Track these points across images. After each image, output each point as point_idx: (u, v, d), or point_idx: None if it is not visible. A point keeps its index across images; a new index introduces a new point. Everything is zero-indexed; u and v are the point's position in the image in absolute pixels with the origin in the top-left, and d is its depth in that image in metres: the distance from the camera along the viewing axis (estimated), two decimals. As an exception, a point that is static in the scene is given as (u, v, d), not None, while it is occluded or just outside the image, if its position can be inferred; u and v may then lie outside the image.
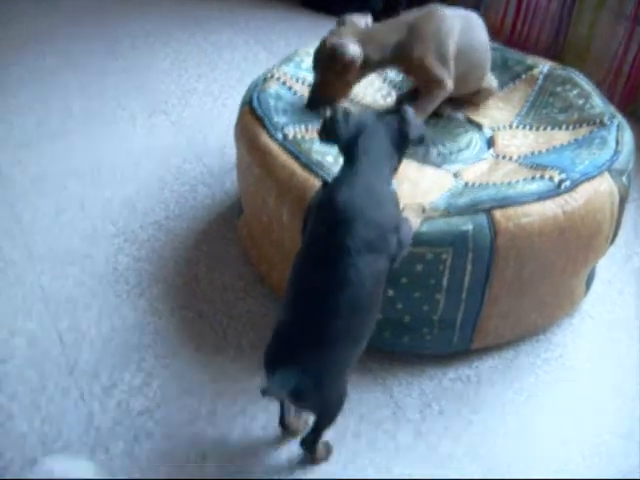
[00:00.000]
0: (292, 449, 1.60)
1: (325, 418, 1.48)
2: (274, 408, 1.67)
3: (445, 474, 1.57)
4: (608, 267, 2.09)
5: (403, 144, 1.50)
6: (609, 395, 1.76)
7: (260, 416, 1.67)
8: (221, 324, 1.89)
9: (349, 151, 1.48)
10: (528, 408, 1.72)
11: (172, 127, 2.67)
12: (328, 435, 1.59)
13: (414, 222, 1.53)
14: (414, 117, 1.52)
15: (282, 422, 1.60)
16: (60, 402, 1.69)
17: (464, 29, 1.92)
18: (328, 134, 1.51)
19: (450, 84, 1.90)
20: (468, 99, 2.06)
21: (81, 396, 1.70)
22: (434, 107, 1.94)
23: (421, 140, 1.53)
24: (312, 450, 1.55)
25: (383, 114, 1.56)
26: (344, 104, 1.91)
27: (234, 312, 1.92)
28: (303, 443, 1.55)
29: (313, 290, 1.39)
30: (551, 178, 1.67)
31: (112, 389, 1.72)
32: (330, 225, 1.40)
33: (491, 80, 2.07)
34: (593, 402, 1.75)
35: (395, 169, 1.53)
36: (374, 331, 1.70)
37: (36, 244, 2.12)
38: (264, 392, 1.31)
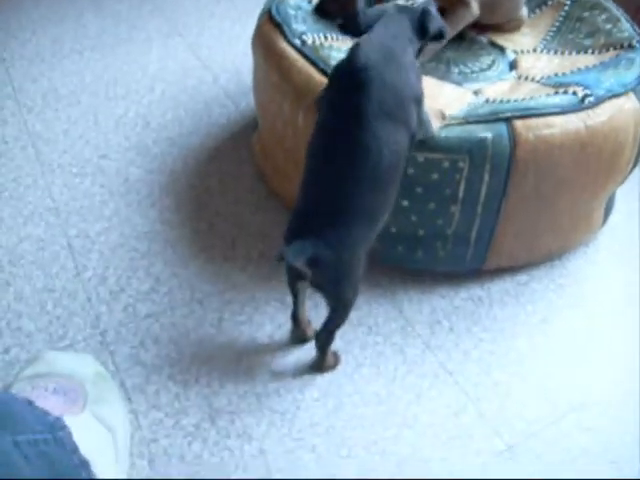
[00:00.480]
0: (299, 356, 1.59)
1: (340, 305, 1.44)
2: (281, 317, 1.67)
3: (454, 390, 1.56)
4: (627, 200, 2.05)
5: (422, 33, 1.47)
6: (621, 326, 1.73)
7: (267, 325, 1.65)
8: (231, 235, 1.86)
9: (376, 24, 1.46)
10: (539, 330, 1.70)
11: (189, 49, 2.62)
12: (336, 344, 1.57)
13: (435, 122, 1.50)
14: (436, 13, 1.49)
15: (294, 316, 1.58)
16: (67, 304, 1.68)
17: None
18: (348, 25, 1.48)
19: (476, 7, 1.85)
20: (496, 27, 2.00)
21: (88, 299, 1.69)
22: (458, 28, 1.89)
23: (440, 35, 1.51)
24: (324, 350, 1.53)
25: (405, 6, 1.53)
26: None
27: (245, 224, 1.90)
28: (317, 339, 1.52)
29: (329, 159, 1.34)
30: (575, 93, 1.62)
31: (120, 293, 1.71)
32: (346, 88, 1.36)
33: (523, 12, 2.01)
34: (605, 331, 1.72)
35: (416, 55, 1.49)
36: (388, 245, 1.69)
37: (47, 156, 2.10)
38: (280, 258, 1.29)
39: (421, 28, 1.46)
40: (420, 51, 1.54)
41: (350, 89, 1.35)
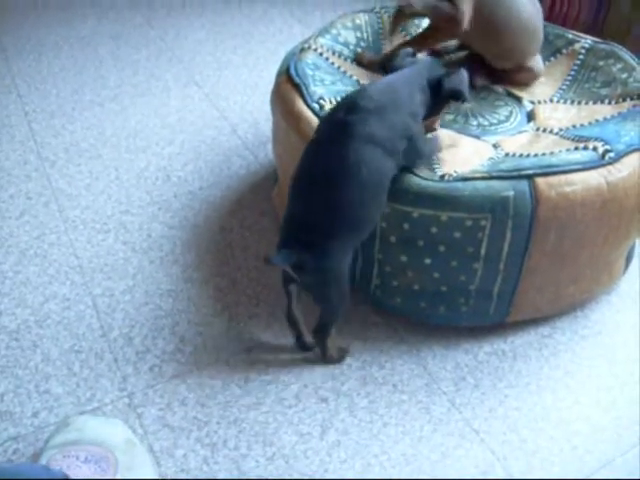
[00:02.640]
0: (324, 417, 1.59)
1: (329, 301, 1.58)
2: (307, 376, 1.67)
3: (480, 449, 1.55)
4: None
5: (438, 89, 1.61)
6: (647, 373, 1.73)
7: (293, 385, 1.66)
8: (254, 292, 1.88)
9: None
10: (564, 384, 1.69)
11: (206, 99, 2.66)
12: (361, 403, 1.58)
13: (441, 141, 1.68)
14: (462, 76, 1.61)
15: (288, 315, 1.68)
16: (94, 365, 1.69)
17: None
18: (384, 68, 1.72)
19: (464, 21, 1.90)
20: (511, 78, 2.02)
21: (115, 360, 1.71)
22: (443, 41, 2.03)
23: (456, 95, 1.62)
24: (322, 345, 1.66)
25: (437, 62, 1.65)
26: None
27: (267, 280, 1.91)
28: (314, 332, 1.64)
29: (317, 173, 1.49)
30: (595, 149, 1.63)
31: (145, 354, 1.72)
32: (342, 111, 1.52)
33: (538, 62, 2.03)
34: (630, 381, 1.71)
35: (427, 109, 1.62)
36: (410, 301, 1.70)
37: (70, 212, 2.13)
38: (268, 260, 1.45)
39: (437, 85, 1.59)
40: (437, 106, 1.66)
41: (345, 112, 1.51)
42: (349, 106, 1.52)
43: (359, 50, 2.05)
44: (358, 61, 2.03)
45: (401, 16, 2.13)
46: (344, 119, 1.50)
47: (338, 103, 1.59)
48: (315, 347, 1.69)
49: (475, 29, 1.90)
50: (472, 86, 1.99)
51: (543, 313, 1.81)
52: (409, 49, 1.78)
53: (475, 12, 1.88)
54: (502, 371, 1.72)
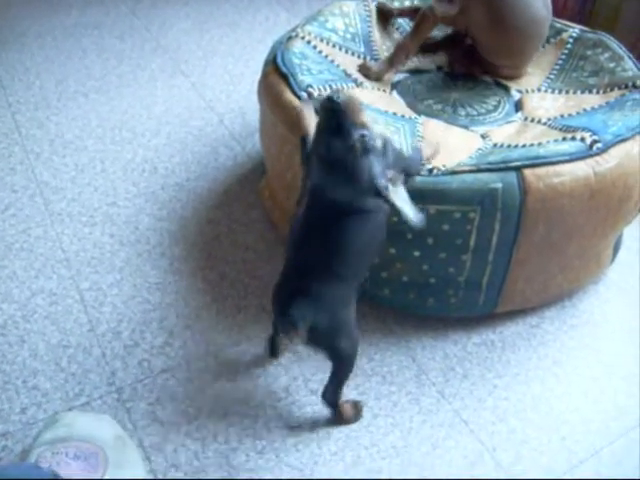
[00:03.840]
0: (315, 409, 1.59)
1: (341, 361, 1.48)
2: (296, 368, 1.67)
3: (469, 439, 1.56)
4: (635, 236, 2.05)
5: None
6: (634, 363, 1.74)
7: (282, 377, 1.66)
8: (243, 285, 1.87)
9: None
10: (552, 374, 1.70)
11: (192, 88, 2.64)
12: (350, 394, 1.59)
13: (426, 151, 1.56)
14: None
15: (272, 344, 1.66)
16: (82, 360, 1.68)
17: None
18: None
19: (439, 12, 1.93)
20: (495, 70, 2.01)
21: (103, 355, 1.70)
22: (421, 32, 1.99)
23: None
24: (335, 405, 1.54)
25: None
26: None
27: (256, 272, 1.90)
28: (324, 396, 1.53)
29: (312, 239, 1.39)
30: (583, 139, 1.63)
31: (134, 348, 1.71)
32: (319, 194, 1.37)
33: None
34: (618, 370, 1.72)
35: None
36: (399, 293, 1.70)
37: (56, 205, 2.11)
38: (279, 328, 1.41)
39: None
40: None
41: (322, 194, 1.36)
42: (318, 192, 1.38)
43: (362, 61, 2.02)
44: (363, 73, 1.97)
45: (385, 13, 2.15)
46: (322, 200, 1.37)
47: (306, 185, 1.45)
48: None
49: (484, 19, 1.89)
50: (452, 71, 2.04)
51: (532, 303, 1.81)
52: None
53: (491, 4, 1.87)
54: (491, 361, 1.72)
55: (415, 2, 2.17)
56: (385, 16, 2.15)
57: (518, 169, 1.55)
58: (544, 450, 1.55)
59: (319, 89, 1.76)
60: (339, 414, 1.56)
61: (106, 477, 1.35)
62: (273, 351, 1.68)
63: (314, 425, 1.57)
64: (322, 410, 1.58)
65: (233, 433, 1.55)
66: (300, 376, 1.66)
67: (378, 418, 1.59)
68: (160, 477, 1.47)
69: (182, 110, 2.52)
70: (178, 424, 1.56)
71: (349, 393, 1.62)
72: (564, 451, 1.55)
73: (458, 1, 1.89)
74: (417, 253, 1.63)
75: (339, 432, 1.56)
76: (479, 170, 1.56)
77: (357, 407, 1.59)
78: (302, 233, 1.41)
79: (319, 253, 1.37)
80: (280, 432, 1.56)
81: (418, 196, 1.51)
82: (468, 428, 1.58)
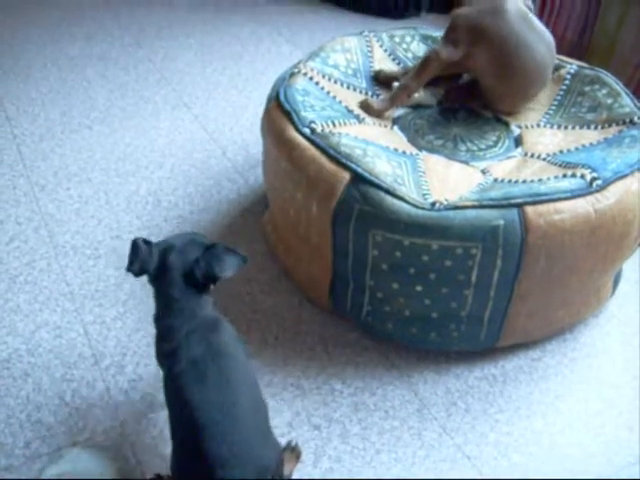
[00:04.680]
0: (317, 444, 1.60)
1: None
2: (299, 403, 1.68)
3: (472, 474, 1.56)
4: (635, 268, 2.07)
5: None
6: (635, 396, 1.74)
7: (285, 412, 1.66)
8: (245, 318, 1.88)
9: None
10: (554, 408, 1.71)
11: (195, 121, 2.67)
12: (353, 429, 1.60)
13: None
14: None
15: None
16: (86, 395, 1.69)
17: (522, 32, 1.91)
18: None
19: (444, 56, 1.94)
20: (499, 109, 2.04)
21: (107, 389, 1.71)
22: (425, 74, 1.99)
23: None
24: None
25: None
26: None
27: (258, 306, 1.92)
28: None
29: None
30: (583, 176, 1.65)
31: (138, 382, 1.72)
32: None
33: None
34: (619, 403, 1.73)
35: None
36: (402, 327, 1.71)
37: (60, 237, 2.13)
38: None
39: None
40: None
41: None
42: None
43: (364, 98, 2.04)
44: (364, 110, 1.99)
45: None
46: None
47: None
48: None
49: (489, 65, 1.93)
50: (448, 102, 2.08)
51: (533, 337, 1.82)
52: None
53: (497, 50, 1.90)
54: (493, 396, 1.73)
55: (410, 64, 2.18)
56: (388, 80, 2.13)
57: (519, 206, 1.56)
58: (546, 485, 1.56)
59: (322, 125, 1.79)
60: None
61: (110, 514, 1.36)
62: None
63: (317, 460, 1.57)
64: (325, 445, 1.59)
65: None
66: (303, 411, 1.66)
67: (381, 453, 1.60)
68: (163, 513, 1.47)
69: (185, 142, 2.55)
70: (181, 459, 1.56)
71: (352, 428, 1.63)
72: (567, 486, 1.56)
73: (463, 46, 1.92)
74: (419, 288, 1.64)
75: (342, 467, 1.56)
76: (481, 206, 1.58)
77: (295, 450, 1.54)
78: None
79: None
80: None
81: (421, 231, 1.55)
82: (470, 463, 1.59)
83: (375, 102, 2.00)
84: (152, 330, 1.81)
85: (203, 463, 1.23)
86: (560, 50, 2.14)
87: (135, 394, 1.69)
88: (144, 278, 1.96)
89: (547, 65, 1.97)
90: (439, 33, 2.25)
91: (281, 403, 1.68)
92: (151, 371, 1.74)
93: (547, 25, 3.09)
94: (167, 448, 1.56)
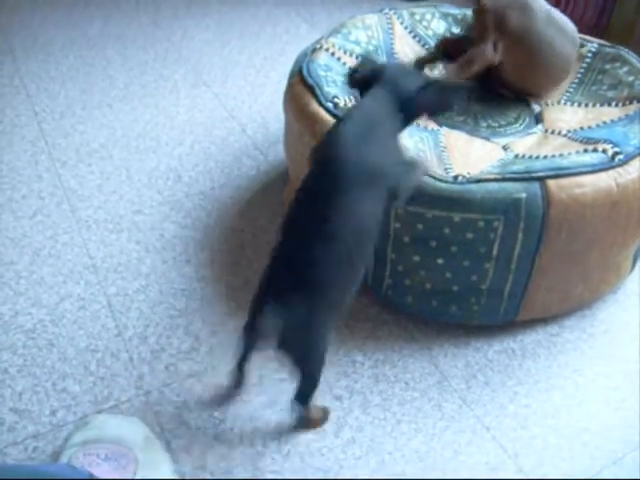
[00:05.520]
0: (339, 415, 1.62)
1: (307, 374, 1.47)
2: (321, 376, 1.69)
3: (491, 446, 1.58)
4: (654, 245, 2.08)
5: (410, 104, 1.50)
6: (655, 371, 1.76)
7: (307, 382, 1.68)
8: (267, 292, 1.90)
9: (362, 95, 1.53)
10: (572, 382, 1.72)
11: (215, 99, 2.68)
12: (374, 400, 1.62)
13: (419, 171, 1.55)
14: (437, 88, 1.52)
15: (239, 367, 1.61)
16: (110, 364, 1.71)
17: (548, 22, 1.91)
18: (350, 80, 1.57)
19: (490, 52, 1.92)
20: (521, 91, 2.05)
21: (130, 359, 1.73)
22: (471, 68, 1.97)
23: (432, 110, 1.54)
24: (302, 414, 1.56)
25: (416, 70, 1.56)
26: None
27: (280, 280, 1.94)
28: (293, 408, 1.56)
29: (301, 228, 1.39)
30: (604, 151, 1.66)
31: (161, 353, 1.74)
32: (323, 162, 1.43)
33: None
34: (637, 379, 1.74)
35: (408, 121, 1.54)
36: (422, 301, 1.72)
37: (83, 212, 2.15)
38: (250, 330, 1.39)
39: (409, 99, 1.49)
40: (411, 119, 1.56)
41: (326, 168, 1.41)
42: (326, 160, 1.43)
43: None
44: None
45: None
46: (322, 173, 1.42)
47: (315, 153, 1.51)
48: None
49: (514, 59, 1.94)
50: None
51: (552, 312, 1.83)
52: (368, 57, 1.68)
53: (519, 47, 1.90)
54: (512, 369, 1.75)
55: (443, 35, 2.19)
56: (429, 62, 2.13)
57: (542, 179, 1.57)
58: (565, 457, 1.57)
59: (345, 100, 1.80)
60: (308, 418, 1.58)
61: (137, 477, 1.38)
62: (238, 381, 1.64)
63: (339, 430, 1.59)
64: (346, 416, 1.61)
65: (258, 437, 1.58)
66: (325, 383, 1.67)
67: (402, 424, 1.62)
68: (187, 478, 1.50)
69: (205, 120, 2.57)
70: (204, 427, 1.59)
71: (373, 399, 1.65)
72: (585, 458, 1.57)
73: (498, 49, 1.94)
74: (440, 261, 1.66)
75: (363, 437, 1.58)
76: (504, 179, 1.59)
77: (324, 412, 1.61)
78: (297, 221, 1.41)
79: (310, 248, 1.36)
80: (305, 436, 1.58)
81: (444, 204, 1.56)
82: (490, 434, 1.61)
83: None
84: (174, 302, 1.85)
85: None
86: (579, 31, 2.14)
87: (158, 364, 1.71)
88: (165, 253, 1.99)
89: (570, 58, 1.98)
90: (459, 11, 2.26)
91: (303, 374, 1.70)
92: (173, 343, 1.76)
93: (566, 7, 3.12)
94: (191, 417, 1.60)
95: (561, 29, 1.94)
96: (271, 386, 1.67)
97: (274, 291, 1.38)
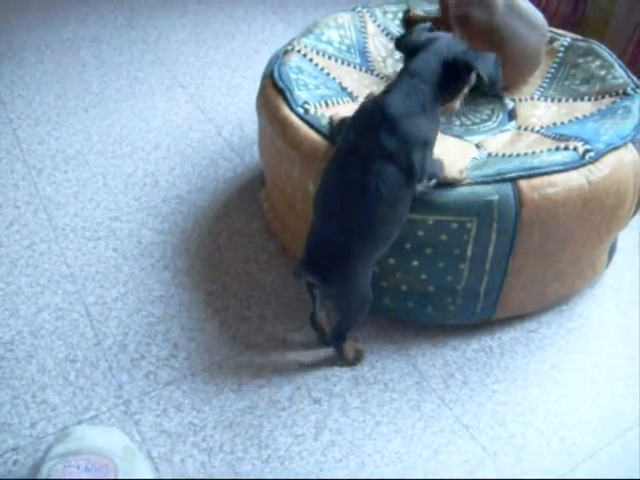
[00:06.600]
0: (318, 418, 1.63)
1: (349, 311, 1.64)
2: (300, 378, 1.70)
3: (470, 445, 1.60)
4: (630, 239, 2.09)
5: (456, 69, 1.51)
6: (630, 365, 1.77)
7: (285, 387, 1.69)
8: (245, 295, 1.91)
9: (406, 64, 1.55)
10: (550, 378, 1.74)
11: (191, 101, 2.67)
12: (353, 402, 1.63)
13: (448, 170, 1.58)
14: (489, 57, 1.52)
15: (313, 320, 1.75)
16: (89, 374, 1.71)
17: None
18: (399, 44, 1.60)
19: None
20: None
21: (110, 368, 1.73)
22: None
23: (492, 83, 1.52)
24: (338, 347, 1.72)
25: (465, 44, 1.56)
26: None
27: (257, 284, 1.94)
28: (325, 338, 1.75)
29: (337, 195, 1.51)
30: (575, 149, 1.67)
31: (140, 361, 1.75)
32: (363, 131, 1.51)
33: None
34: (615, 372, 1.76)
35: (452, 94, 1.56)
36: (399, 302, 1.74)
37: (59, 220, 2.14)
38: (298, 274, 1.54)
39: (454, 65, 1.50)
40: (456, 89, 1.57)
41: (365, 133, 1.50)
42: (365, 123, 1.51)
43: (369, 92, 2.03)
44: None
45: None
46: (361, 137, 1.50)
47: (354, 116, 1.56)
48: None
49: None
50: None
51: (529, 310, 1.85)
52: (426, 24, 1.68)
53: (482, 41, 1.89)
54: (490, 367, 1.76)
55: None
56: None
57: (513, 180, 1.58)
58: (543, 453, 1.59)
59: (315, 105, 1.80)
60: (340, 355, 1.73)
61: (117, 488, 1.39)
62: (313, 319, 1.76)
63: (318, 433, 1.60)
64: (326, 419, 1.62)
65: (239, 443, 1.58)
66: (303, 385, 1.69)
67: (381, 425, 1.63)
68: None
69: (181, 122, 2.56)
70: (185, 435, 1.59)
71: (352, 401, 1.66)
72: (563, 453, 1.59)
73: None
74: (416, 263, 1.66)
75: (343, 439, 1.59)
76: (475, 183, 1.59)
77: (358, 353, 1.75)
78: (336, 185, 1.52)
79: (348, 207, 1.49)
80: (285, 441, 1.59)
81: (417, 207, 1.57)
82: (469, 433, 1.62)
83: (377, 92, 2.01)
84: (153, 310, 1.85)
85: None
86: (553, 24, 2.14)
87: (138, 372, 1.72)
88: (142, 260, 1.99)
89: (538, 48, 1.98)
90: (431, 8, 2.26)
91: (282, 378, 1.71)
92: (152, 350, 1.77)
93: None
94: (171, 425, 1.60)
95: (527, 20, 1.94)
96: (250, 392, 1.68)
97: (317, 248, 1.55)
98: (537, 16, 1.98)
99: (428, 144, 1.51)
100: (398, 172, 1.46)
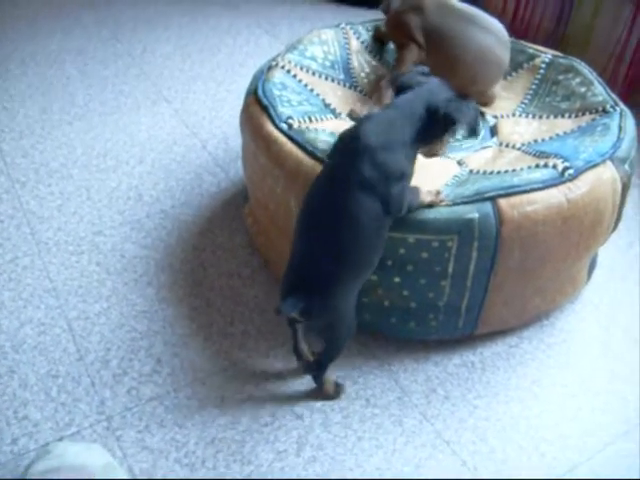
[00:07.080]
0: (300, 433, 1.63)
1: (333, 343, 1.63)
2: (282, 393, 1.71)
3: (451, 460, 1.60)
4: (610, 254, 2.11)
5: (447, 124, 1.55)
6: (610, 379, 1.79)
7: (267, 403, 1.69)
8: (229, 311, 1.91)
9: (393, 101, 1.61)
10: (531, 393, 1.75)
11: (176, 115, 2.68)
12: (335, 418, 1.63)
13: (423, 196, 1.59)
14: (464, 104, 1.56)
15: (295, 349, 1.71)
16: (72, 390, 1.71)
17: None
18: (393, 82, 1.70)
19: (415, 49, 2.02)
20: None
21: (92, 384, 1.73)
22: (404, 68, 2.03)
23: (450, 122, 1.54)
24: (318, 380, 1.69)
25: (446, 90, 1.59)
26: None
27: (241, 299, 1.95)
28: (308, 368, 1.70)
29: (318, 221, 1.51)
30: (555, 166, 1.69)
31: (122, 376, 1.75)
32: (341, 160, 1.53)
33: (496, 89, 2.10)
34: (594, 386, 1.77)
35: (431, 139, 1.59)
36: (381, 317, 1.75)
37: (43, 234, 2.14)
38: (278, 311, 1.49)
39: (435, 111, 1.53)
40: (434, 134, 1.59)
41: (343, 162, 1.52)
42: (345, 149, 1.54)
43: (351, 109, 2.05)
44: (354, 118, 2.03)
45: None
46: (340, 164, 1.52)
47: (335, 144, 1.59)
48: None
49: (434, 60, 1.97)
50: None
51: (510, 325, 1.86)
52: (424, 68, 1.71)
53: (432, 45, 1.97)
54: (471, 382, 1.77)
55: None
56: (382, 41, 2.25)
57: (493, 199, 1.60)
58: (524, 467, 1.60)
59: (299, 121, 1.81)
60: (320, 389, 1.70)
61: (98, 506, 1.39)
62: (296, 351, 1.73)
63: (300, 449, 1.61)
64: (307, 434, 1.63)
65: (221, 459, 1.59)
66: (286, 401, 1.70)
67: (362, 440, 1.63)
68: (150, 504, 1.50)
69: (165, 137, 2.57)
70: (167, 451, 1.59)
71: (334, 417, 1.67)
72: (543, 468, 1.60)
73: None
74: (397, 279, 1.68)
75: (324, 455, 1.60)
76: (454, 204, 1.61)
77: (338, 387, 1.73)
78: (315, 214, 1.52)
79: (328, 236, 1.49)
80: (267, 457, 1.59)
81: (398, 226, 1.58)
82: (450, 448, 1.63)
83: (364, 108, 2.03)
84: (135, 325, 1.86)
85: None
86: (536, 39, 2.17)
87: (120, 388, 1.72)
88: (126, 275, 1.99)
89: (498, 53, 2.02)
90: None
91: (264, 393, 1.71)
92: (135, 366, 1.77)
93: (524, 15, 3.16)
94: (153, 441, 1.60)
95: (476, 23, 2.00)
96: (233, 407, 1.68)
97: (296, 279, 1.52)
98: (489, 20, 2.04)
99: (405, 176, 1.52)
100: (378, 203, 1.47)
